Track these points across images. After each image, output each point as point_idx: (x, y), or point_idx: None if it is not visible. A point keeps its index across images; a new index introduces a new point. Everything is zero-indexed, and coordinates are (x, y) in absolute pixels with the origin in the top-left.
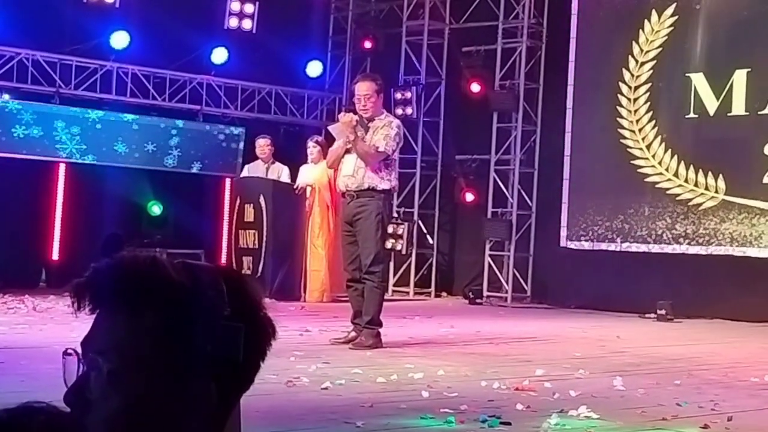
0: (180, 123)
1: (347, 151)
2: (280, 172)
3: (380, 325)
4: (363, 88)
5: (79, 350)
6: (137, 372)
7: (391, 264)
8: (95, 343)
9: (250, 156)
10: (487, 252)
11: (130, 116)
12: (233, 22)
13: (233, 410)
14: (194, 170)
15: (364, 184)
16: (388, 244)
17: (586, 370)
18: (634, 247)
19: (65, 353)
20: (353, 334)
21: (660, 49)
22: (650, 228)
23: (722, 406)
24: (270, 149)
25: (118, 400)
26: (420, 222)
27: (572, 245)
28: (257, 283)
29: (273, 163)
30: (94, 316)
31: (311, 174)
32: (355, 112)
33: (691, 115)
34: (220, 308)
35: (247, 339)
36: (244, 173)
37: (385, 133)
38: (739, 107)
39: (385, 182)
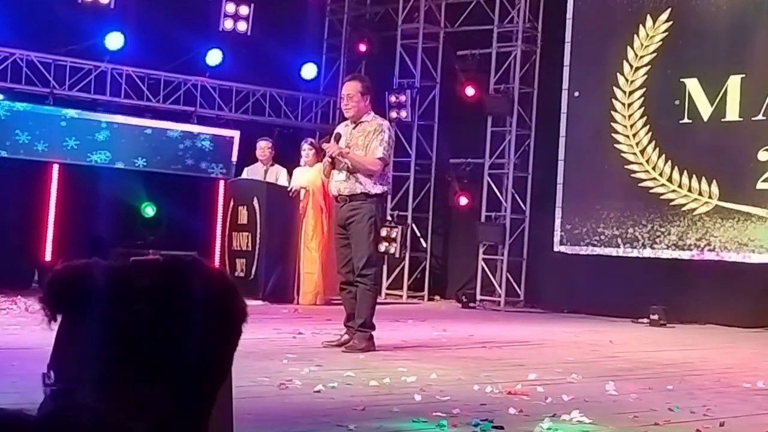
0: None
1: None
2: (278, 174)
3: (373, 328)
4: (348, 88)
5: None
6: (89, 388)
7: (385, 267)
8: (52, 354)
9: (244, 157)
10: (481, 256)
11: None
12: (228, 24)
13: (212, 406)
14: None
15: (357, 188)
16: (382, 248)
17: (579, 375)
18: (628, 252)
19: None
20: (346, 336)
21: (654, 54)
22: (643, 233)
23: (714, 412)
24: (271, 152)
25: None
26: (413, 225)
27: (566, 250)
28: (225, 273)
29: (272, 165)
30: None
31: (305, 177)
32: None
33: (686, 120)
34: (166, 308)
35: (215, 333)
36: (243, 175)
37: (380, 139)
38: (733, 113)
39: (378, 186)
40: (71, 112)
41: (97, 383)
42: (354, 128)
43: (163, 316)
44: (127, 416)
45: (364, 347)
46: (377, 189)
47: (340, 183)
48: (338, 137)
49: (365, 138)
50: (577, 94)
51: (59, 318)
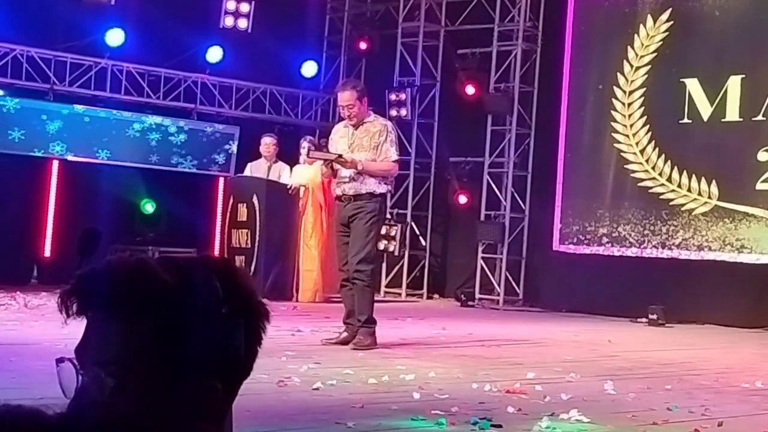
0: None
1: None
2: (281, 171)
3: (375, 323)
4: (344, 98)
5: (73, 357)
6: (141, 382)
7: (384, 265)
8: (93, 353)
9: (244, 154)
10: (480, 254)
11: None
12: (229, 21)
13: (233, 402)
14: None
15: (362, 188)
16: (381, 245)
17: (578, 374)
18: (627, 252)
19: (59, 361)
20: (345, 334)
21: (655, 54)
22: (642, 232)
23: (713, 412)
24: (275, 148)
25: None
26: (413, 224)
27: (565, 249)
28: (245, 269)
29: (276, 161)
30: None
31: (305, 174)
32: (342, 119)
33: (685, 120)
34: (216, 306)
35: (245, 331)
36: (246, 171)
37: (390, 140)
38: (733, 113)
39: (382, 186)
40: (13, 102)
41: (147, 378)
42: (355, 129)
43: (205, 315)
44: (195, 414)
45: (370, 343)
46: (382, 189)
47: (345, 183)
48: (325, 144)
49: (370, 139)
50: (600, 86)
51: (81, 314)
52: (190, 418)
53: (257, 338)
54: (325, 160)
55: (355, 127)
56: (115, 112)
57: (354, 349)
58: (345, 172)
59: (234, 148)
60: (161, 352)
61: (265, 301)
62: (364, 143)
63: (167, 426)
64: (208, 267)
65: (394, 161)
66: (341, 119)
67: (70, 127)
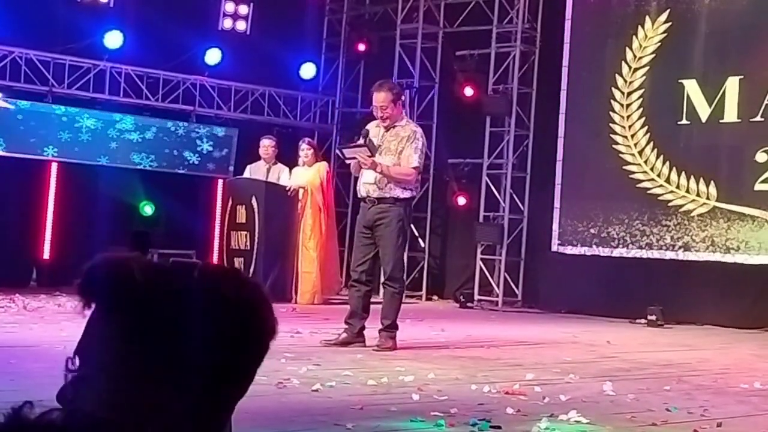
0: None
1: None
2: (281, 173)
3: (398, 328)
4: (379, 99)
5: (72, 357)
6: (105, 379)
7: None
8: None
9: (242, 156)
10: (479, 256)
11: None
12: (227, 23)
13: (230, 416)
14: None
15: (386, 192)
16: None
17: (577, 375)
18: (625, 253)
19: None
20: (344, 335)
21: (653, 55)
22: (641, 233)
23: (712, 412)
24: (274, 150)
25: (92, 407)
26: (412, 225)
27: (563, 250)
28: (254, 278)
29: (275, 163)
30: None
31: (303, 176)
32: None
33: (684, 121)
34: (193, 314)
35: (236, 343)
36: (246, 173)
37: (414, 147)
38: (731, 114)
39: (407, 191)
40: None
41: (115, 377)
42: (386, 131)
43: (188, 321)
44: (137, 415)
45: (391, 346)
46: (406, 194)
47: (369, 185)
48: (366, 134)
49: (398, 143)
50: (599, 88)
51: (92, 306)
52: (143, 417)
53: (251, 352)
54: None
55: (387, 129)
56: (55, 107)
57: (376, 351)
58: (370, 176)
59: (206, 147)
60: (129, 350)
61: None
62: (392, 147)
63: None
64: (187, 273)
65: (414, 167)
66: (363, 120)
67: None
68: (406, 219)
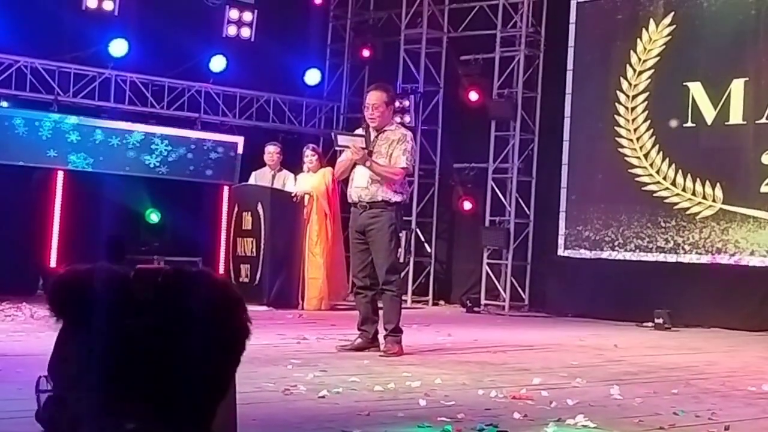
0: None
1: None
2: (286, 180)
3: (402, 331)
4: (372, 98)
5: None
6: (76, 395)
7: None
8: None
9: (248, 163)
10: (485, 260)
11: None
12: (232, 30)
13: (212, 422)
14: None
15: (377, 196)
16: None
17: (584, 379)
18: (632, 256)
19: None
20: (359, 341)
21: (658, 57)
22: (647, 237)
23: (719, 415)
24: (279, 156)
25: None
26: (418, 230)
27: (570, 254)
28: (222, 276)
29: (280, 170)
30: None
31: (309, 182)
32: (365, 119)
33: (689, 124)
34: (169, 322)
35: (212, 349)
36: (251, 179)
37: (403, 149)
38: (736, 116)
39: (397, 195)
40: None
41: (90, 394)
42: (377, 135)
43: (161, 330)
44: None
45: (397, 351)
46: (397, 197)
47: (360, 190)
48: (367, 127)
49: (388, 147)
50: (604, 91)
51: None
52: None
53: (226, 356)
54: (349, 146)
55: (378, 133)
56: (61, 117)
57: (382, 356)
58: (361, 180)
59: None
60: (98, 362)
61: (269, 310)
62: (383, 150)
63: None
64: (168, 280)
65: (402, 168)
66: (358, 125)
67: None
68: (397, 223)
